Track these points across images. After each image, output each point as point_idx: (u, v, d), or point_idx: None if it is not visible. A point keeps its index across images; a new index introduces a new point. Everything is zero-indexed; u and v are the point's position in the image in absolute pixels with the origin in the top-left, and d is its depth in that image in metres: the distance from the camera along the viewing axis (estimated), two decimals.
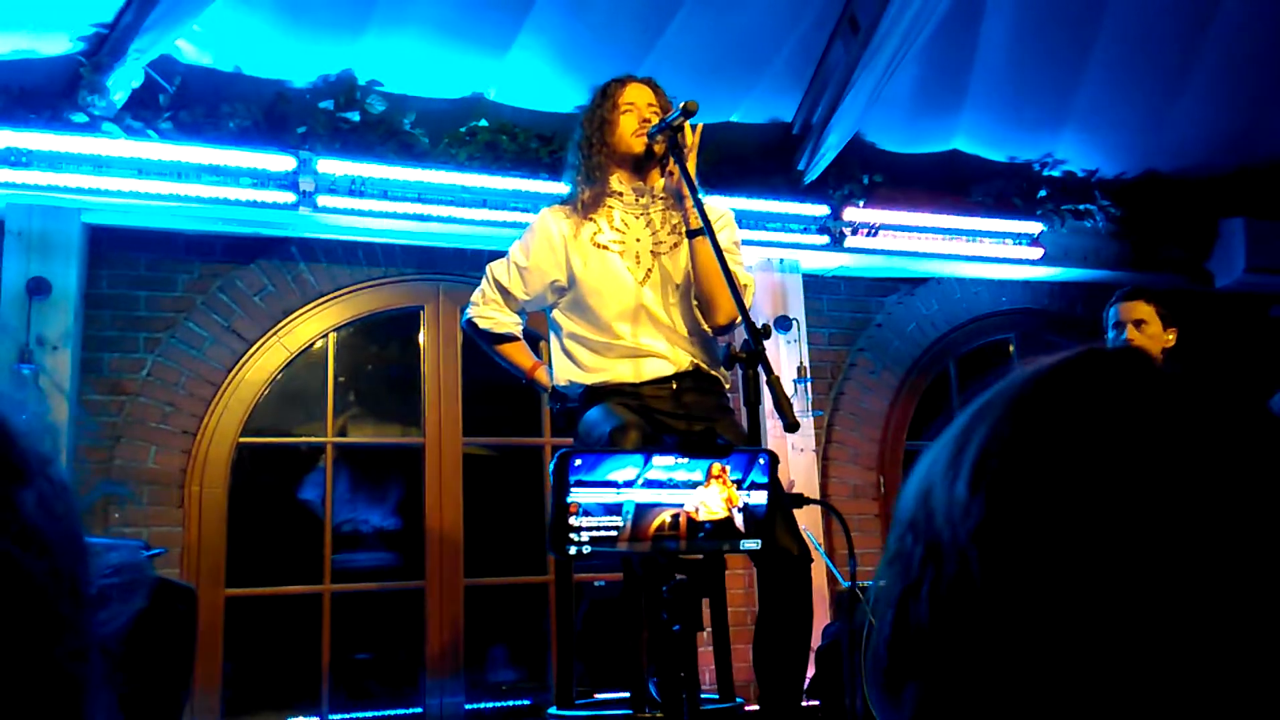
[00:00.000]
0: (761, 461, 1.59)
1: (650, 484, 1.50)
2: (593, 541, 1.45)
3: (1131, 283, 3.80)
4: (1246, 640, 0.42)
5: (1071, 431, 0.47)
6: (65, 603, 0.42)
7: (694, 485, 1.53)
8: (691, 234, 2.47)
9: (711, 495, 1.53)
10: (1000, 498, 0.47)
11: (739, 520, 1.57)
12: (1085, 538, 0.44)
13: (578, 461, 1.44)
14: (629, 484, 1.48)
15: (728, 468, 1.55)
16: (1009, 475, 0.47)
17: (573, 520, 1.43)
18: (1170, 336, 3.26)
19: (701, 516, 1.53)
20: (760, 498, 1.59)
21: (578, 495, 1.45)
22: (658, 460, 1.51)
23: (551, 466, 1.47)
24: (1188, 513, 0.44)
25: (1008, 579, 0.45)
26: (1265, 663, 0.42)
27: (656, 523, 1.51)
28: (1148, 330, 3.24)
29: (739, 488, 1.55)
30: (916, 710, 0.48)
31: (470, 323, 2.67)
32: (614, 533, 1.48)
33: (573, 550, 1.44)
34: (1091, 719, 0.43)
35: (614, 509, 1.49)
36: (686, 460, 1.53)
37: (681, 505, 1.53)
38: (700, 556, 1.59)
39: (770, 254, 4.42)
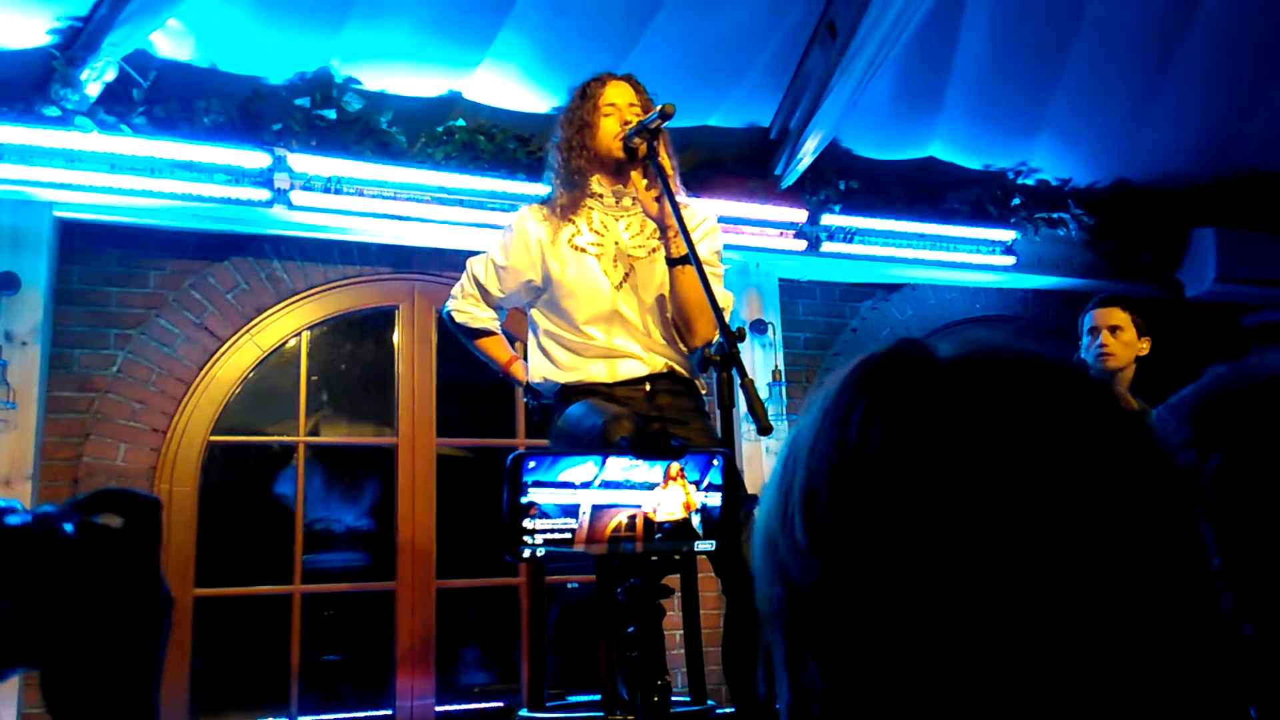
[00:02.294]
0: (717, 463, 1.58)
1: (607, 485, 1.49)
2: (548, 543, 1.44)
3: (1107, 290, 3.80)
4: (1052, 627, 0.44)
5: (870, 452, 0.48)
6: None
7: (652, 486, 1.52)
8: (674, 262, 2.40)
9: (670, 496, 1.53)
10: (833, 536, 0.48)
11: (696, 522, 1.57)
12: (911, 554, 0.46)
13: (532, 463, 1.43)
14: (586, 485, 1.47)
15: (685, 469, 1.54)
16: (835, 513, 0.48)
17: (527, 523, 1.43)
18: (1144, 345, 3.26)
19: (659, 518, 1.53)
20: (717, 499, 1.59)
21: (534, 496, 1.44)
22: (614, 461, 1.50)
23: (505, 468, 1.46)
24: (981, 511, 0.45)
25: (865, 608, 0.46)
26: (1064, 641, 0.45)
27: (613, 524, 1.50)
28: (1123, 337, 3.22)
29: (696, 489, 1.55)
30: None
31: (449, 316, 2.70)
32: (569, 534, 1.47)
33: (527, 553, 1.42)
34: None
35: (570, 510, 1.47)
36: (644, 461, 1.52)
37: (639, 506, 1.52)
38: (656, 558, 1.58)
39: (746, 258, 4.43)
